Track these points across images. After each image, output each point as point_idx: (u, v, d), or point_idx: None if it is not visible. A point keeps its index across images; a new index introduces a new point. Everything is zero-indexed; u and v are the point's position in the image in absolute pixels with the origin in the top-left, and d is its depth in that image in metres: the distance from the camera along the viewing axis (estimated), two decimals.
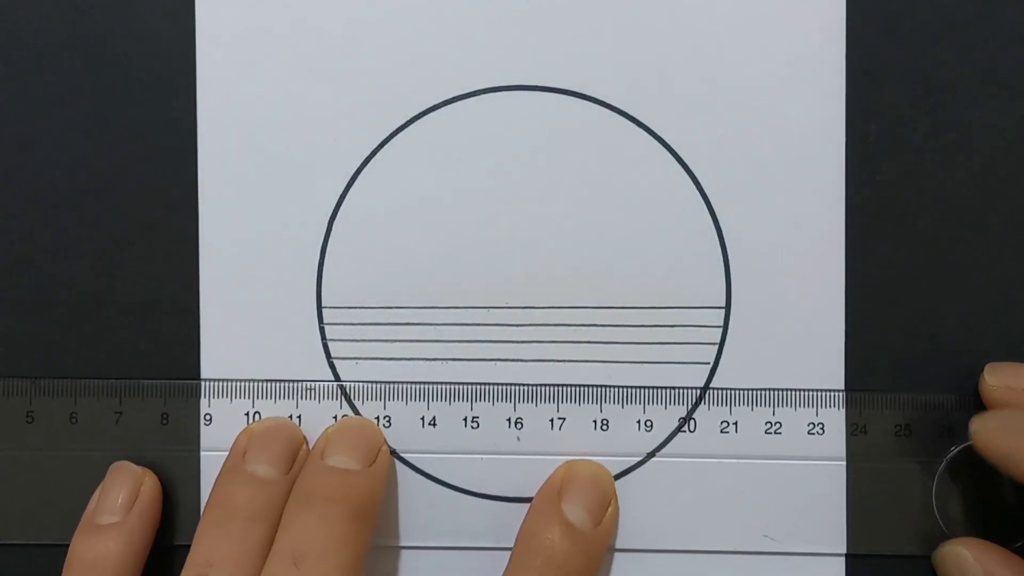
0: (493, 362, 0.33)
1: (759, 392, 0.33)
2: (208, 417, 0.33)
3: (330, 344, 0.33)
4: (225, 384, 0.33)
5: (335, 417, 0.33)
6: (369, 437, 0.32)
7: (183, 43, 0.33)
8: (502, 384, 0.33)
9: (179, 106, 0.34)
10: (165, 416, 0.33)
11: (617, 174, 0.33)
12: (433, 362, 0.33)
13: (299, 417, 0.33)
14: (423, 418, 0.33)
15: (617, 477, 0.33)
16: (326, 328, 0.33)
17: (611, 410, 0.33)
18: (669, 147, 0.33)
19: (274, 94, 0.33)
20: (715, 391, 0.33)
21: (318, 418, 0.33)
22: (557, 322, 0.33)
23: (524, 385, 0.33)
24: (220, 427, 0.33)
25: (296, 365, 0.33)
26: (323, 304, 0.33)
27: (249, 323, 0.33)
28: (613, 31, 0.33)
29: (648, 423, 0.33)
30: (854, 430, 0.33)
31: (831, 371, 0.33)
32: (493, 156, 0.33)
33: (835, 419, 0.33)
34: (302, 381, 0.33)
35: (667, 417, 0.33)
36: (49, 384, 0.34)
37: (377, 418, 0.33)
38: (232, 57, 0.33)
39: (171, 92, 0.34)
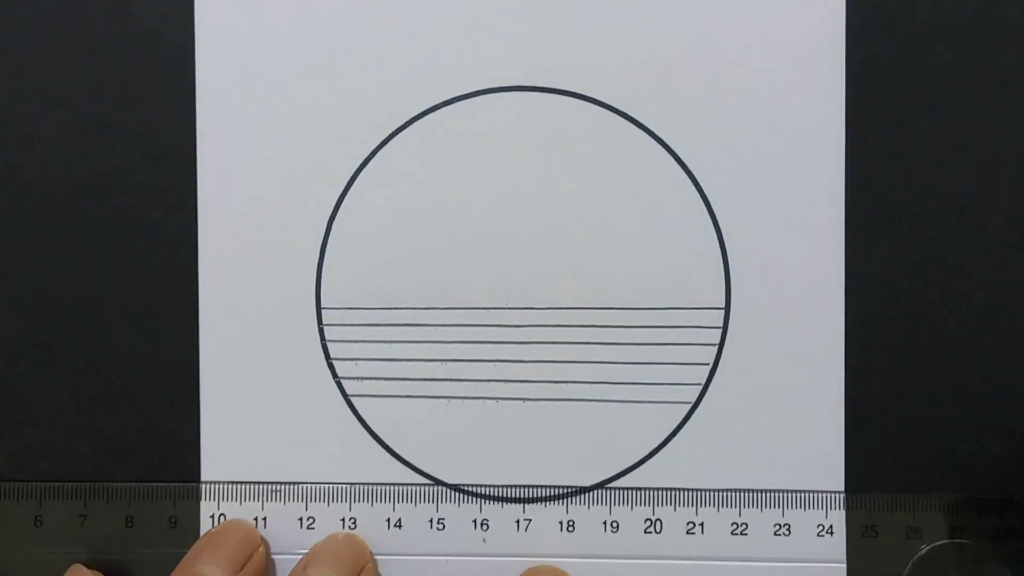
0: (493, 363, 0.33)
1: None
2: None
3: (329, 345, 0.33)
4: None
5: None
6: (355, 554, 0.32)
7: (183, 43, 0.33)
8: (467, 485, 0.33)
9: (179, 106, 0.34)
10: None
11: (617, 174, 0.33)
12: (433, 363, 0.33)
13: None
14: (388, 520, 0.33)
15: None
16: (325, 329, 0.33)
17: (577, 512, 0.33)
18: (669, 147, 0.33)
19: (274, 94, 0.33)
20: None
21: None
22: (557, 322, 0.33)
23: (489, 486, 0.33)
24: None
25: (295, 366, 0.33)
26: (322, 305, 0.33)
27: (248, 323, 0.33)
28: (613, 31, 0.33)
29: (615, 524, 0.33)
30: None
31: (831, 372, 0.33)
32: (493, 156, 0.33)
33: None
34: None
35: (633, 518, 0.33)
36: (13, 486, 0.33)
37: (342, 520, 0.33)
38: (232, 57, 0.33)
39: (171, 92, 0.34)
